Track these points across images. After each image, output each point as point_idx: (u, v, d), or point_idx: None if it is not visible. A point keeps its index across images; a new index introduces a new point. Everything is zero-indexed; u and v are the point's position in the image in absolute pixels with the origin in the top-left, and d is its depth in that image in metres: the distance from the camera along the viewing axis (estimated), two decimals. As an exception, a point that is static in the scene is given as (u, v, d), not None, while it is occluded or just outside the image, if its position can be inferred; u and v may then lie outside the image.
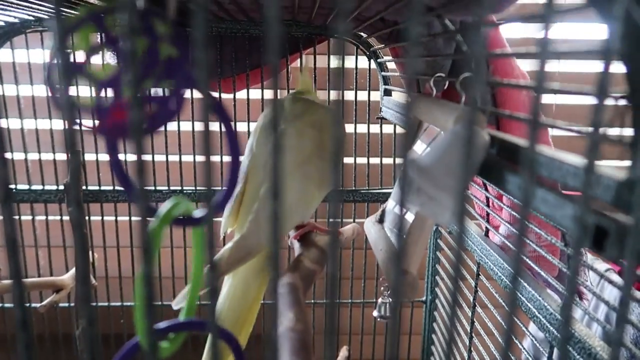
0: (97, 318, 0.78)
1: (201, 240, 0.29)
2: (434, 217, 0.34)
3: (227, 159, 0.25)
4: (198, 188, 0.82)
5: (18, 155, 0.80)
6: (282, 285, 0.36)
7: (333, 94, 0.19)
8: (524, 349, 0.53)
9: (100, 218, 0.82)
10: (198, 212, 0.26)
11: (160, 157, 0.80)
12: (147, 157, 0.79)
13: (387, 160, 0.84)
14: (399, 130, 0.84)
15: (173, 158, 0.81)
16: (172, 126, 0.79)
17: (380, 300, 0.46)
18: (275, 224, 0.18)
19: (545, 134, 0.55)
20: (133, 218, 0.83)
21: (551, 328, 0.43)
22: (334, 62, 0.18)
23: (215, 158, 0.19)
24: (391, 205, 0.51)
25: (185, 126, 0.80)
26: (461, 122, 0.35)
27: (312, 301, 0.86)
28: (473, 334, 0.64)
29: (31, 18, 0.72)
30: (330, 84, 0.82)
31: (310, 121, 0.46)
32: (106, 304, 0.85)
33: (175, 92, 0.25)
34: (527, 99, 0.49)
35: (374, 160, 0.84)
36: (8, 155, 0.71)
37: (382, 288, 0.52)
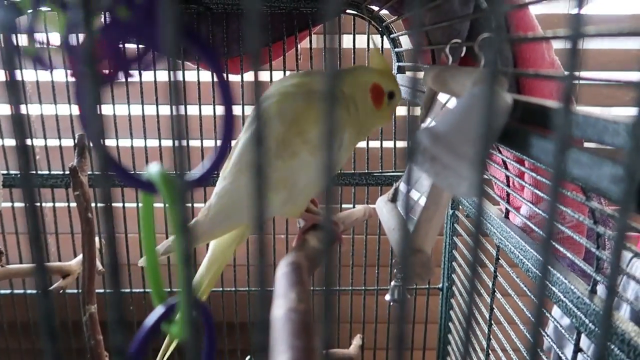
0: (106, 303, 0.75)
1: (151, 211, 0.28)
2: (449, 188, 0.31)
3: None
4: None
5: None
6: (286, 264, 0.33)
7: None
8: (547, 335, 0.50)
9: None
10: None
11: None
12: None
13: (401, 143, 0.81)
14: (413, 111, 0.80)
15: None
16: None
17: (393, 283, 0.44)
18: (259, 199, 0.15)
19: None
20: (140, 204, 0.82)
21: (578, 313, 0.40)
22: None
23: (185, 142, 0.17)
24: (403, 187, 0.48)
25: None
26: (480, 84, 0.32)
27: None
28: (493, 322, 0.61)
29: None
30: (341, 64, 0.79)
31: (290, 113, 0.41)
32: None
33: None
34: (551, 61, 0.45)
35: (387, 144, 0.81)
36: (13, 141, 0.70)
37: (395, 270, 0.49)
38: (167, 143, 0.80)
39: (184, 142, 0.15)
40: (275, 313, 0.27)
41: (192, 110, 0.78)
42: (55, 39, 0.21)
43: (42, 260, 0.15)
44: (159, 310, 0.25)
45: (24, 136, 0.15)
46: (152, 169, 0.24)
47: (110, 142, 0.81)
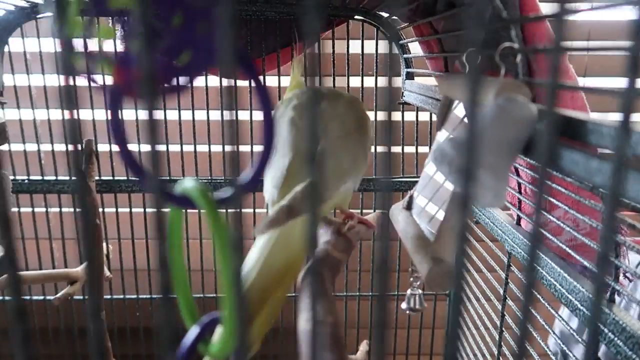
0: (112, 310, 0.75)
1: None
2: (475, 198, 0.31)
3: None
4: (213, 178, 0.80)
5: (30, 146, 0.78)
6: (307, 274, 0.33)
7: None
8: (554, 334, 0.50)
9: (114, 209, 0.80)
10: (224, 192, 0.23)
11: (174, 147, 0.78)
12: (162, 147, 0.78)
13: (409, 149, 0.81)
14: (421, 116, 0.80)
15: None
16: (186, 115, 0.77)
17: (409, 291, 0.44)
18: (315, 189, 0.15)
19: (582, 98, 0.51)
20: (148, 209, 0.81)
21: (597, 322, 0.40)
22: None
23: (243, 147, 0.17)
24: (420, 199, 0.48)
25: (200, 115, 0.77)
26: (504, 94, 0.32)
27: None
28: (504, 328, 0.61)
29: (41, 1, 0.70)
30: (349, 70, 0.79)
31: (345, 102, 0.48)
32: (121, 296, 0.84)
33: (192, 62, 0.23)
34: (566, 70, 0.45)
35: (395, 149, 0.80)
36: (20, 146, 0.69)
37: (411, 279, 0.49)
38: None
39: (236, 148, 0.15)
40: (302, 326, 0.27)
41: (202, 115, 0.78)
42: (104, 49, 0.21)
43: (97, 280, 0.15)
44: (194, 331, 0.25)
45: (77, 142, 0.15)
46: (188, 184, 0.24)
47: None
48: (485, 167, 0.30)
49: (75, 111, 0.15)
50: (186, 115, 0.77)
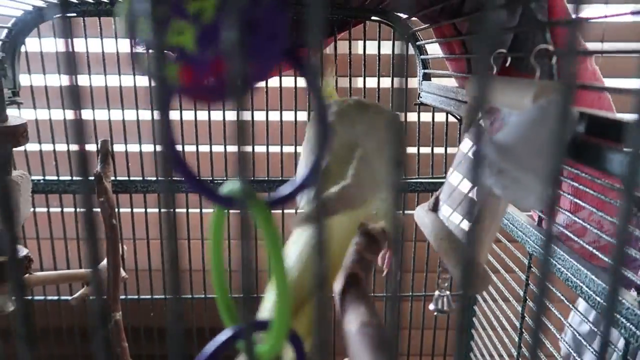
0: (127, 310, 0.75)
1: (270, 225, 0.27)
2: (516, 201, 0.31)
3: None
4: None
5: (46, 147, 0.78)
6: (344, 277, 0.33)
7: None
8: (575, 330, 0.50)
9: (129, 210, 0.80)
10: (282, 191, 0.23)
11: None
12: (219, 148, 0.78)
13: (425, 149, 0.81)
14: (437, 116, 0.80)
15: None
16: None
17: (437, 293, 0.44)
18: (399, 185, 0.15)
19: (608, 99, 0.51)
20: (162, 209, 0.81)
21: (628, 324, 0.40)
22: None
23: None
24: (443, 197, 0.48)
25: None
26: (543, 97, 0.32)
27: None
28: (524, 330, 0.61)
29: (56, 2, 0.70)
30: (365, 70, 0.79)
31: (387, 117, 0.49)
32: (136, 297, 0.84)
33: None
34: (593, 71, 0.46)
35: (411, 149, 0.81)
36: (36, 146, 0.69)
37: (439, 280, 0.49)
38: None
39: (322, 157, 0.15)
40: (348, 328, 0.27)
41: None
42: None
43: (179, 288, 0.15)
44: (227, 332, 0.24)
45: (166, 143, 0.15)
46: (234, 185, 0.23)
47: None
48: (528, 170, 0.30)
49: (166, 112, 0.15)
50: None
